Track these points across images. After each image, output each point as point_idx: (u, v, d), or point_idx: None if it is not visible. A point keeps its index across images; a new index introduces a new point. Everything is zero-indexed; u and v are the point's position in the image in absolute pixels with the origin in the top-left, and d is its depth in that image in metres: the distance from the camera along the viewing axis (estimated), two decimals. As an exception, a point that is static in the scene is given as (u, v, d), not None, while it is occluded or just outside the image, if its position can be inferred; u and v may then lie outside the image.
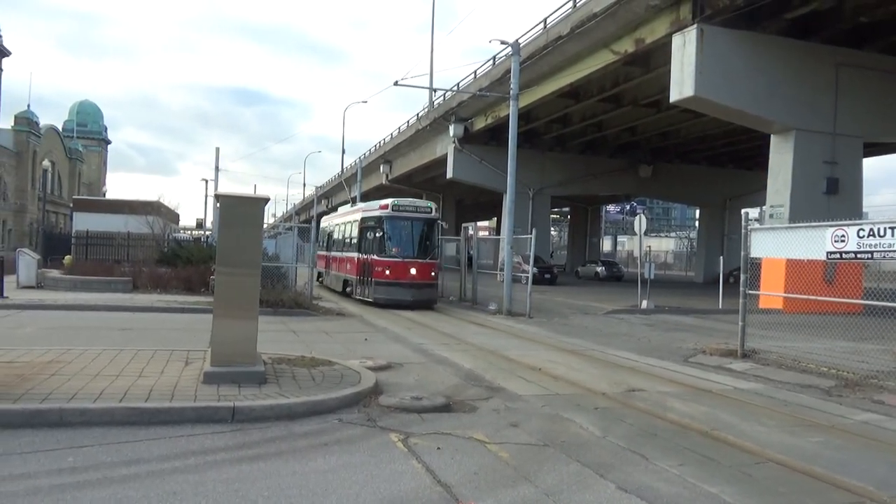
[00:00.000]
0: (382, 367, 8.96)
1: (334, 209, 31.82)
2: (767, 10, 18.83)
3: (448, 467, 5.06)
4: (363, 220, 20.34)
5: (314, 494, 4.45)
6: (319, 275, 26.06)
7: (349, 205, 28.63)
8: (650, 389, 8.43)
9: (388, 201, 19.57)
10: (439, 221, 20.20)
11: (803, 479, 5.16)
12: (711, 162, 42.27)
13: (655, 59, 23.76)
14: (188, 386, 6.78)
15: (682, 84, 19.45)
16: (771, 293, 13.79)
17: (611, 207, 75.99)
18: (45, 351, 8.38)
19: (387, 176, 50.35)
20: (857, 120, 20.87)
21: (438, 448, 5.51)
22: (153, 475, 4.65)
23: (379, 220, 19.20)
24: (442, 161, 39.88)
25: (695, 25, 18.91)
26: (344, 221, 23.99)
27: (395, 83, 23.30)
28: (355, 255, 20.59)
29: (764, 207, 22.53)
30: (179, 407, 6.05)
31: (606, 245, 79.83)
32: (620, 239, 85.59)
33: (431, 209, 19.89)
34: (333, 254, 25.16)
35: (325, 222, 29.59)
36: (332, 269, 24.93)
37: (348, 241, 22.42)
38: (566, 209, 68.35)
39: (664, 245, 78.13)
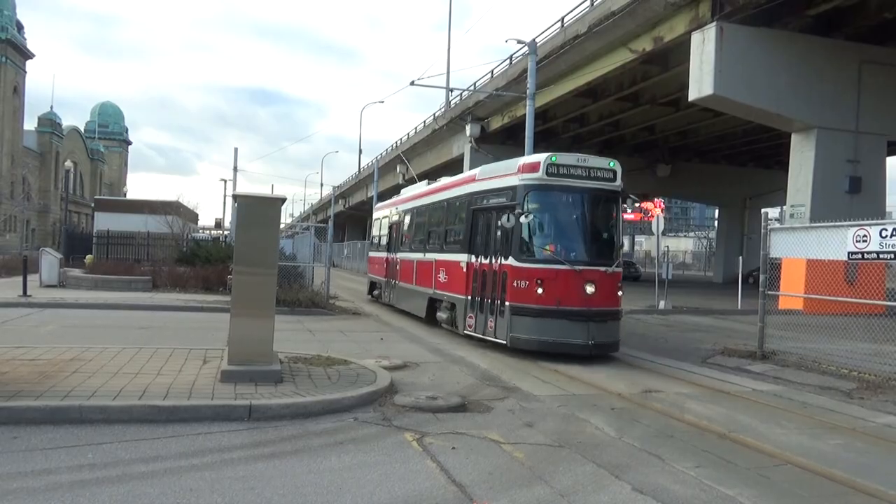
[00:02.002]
0: (398, 367, 8.98)
1: (397, 191, 22.53)
2: (789, 7, 18.58)
3: (463, 467, 5.06)
4: (478, 196, 12.11)
5: (329, 493, 4.47)
6: (373, 286, 20.23)
7: (424, 182, 18.15)
8: (667, 391, 8.36)
9: (538, 158, 10.85)
10: (628, 196, 11.67)
11: (823, 482, 5.09)
12: (731, 161, 41.81)
13: (674, 57, 23.54)
14: (206, 384, 6.84)
15: (700, 82, 19.25)
16: (791, 294, 13.58)
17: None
18: (66, 349, 8.50)
19: (403, 176, 50.37)
20: (881, 118, 20.51)
21: (453, 448, 5.52)
22: (170, 472, 4.70)
23: (517, 192, 10.75)
24: (458, 161, 39.81)
25: (714, 23, 18.71)
26: (425, 205, 15.51)
27: (412, 83, 23.34)
28: (458, 258, 12.41)
29: (784, 207, 22.27)
30: (197, 405, 6.11)
31: (625, 245, 79.18)
32: (638, 239, 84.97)
33: (614, 173, 11.02)
34: (402, 256, 16.61)
35: (385, 211, 20.11)
36: (400, 281, 16.51)
37: (437, 234, 14.27)
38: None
39: (682, 245, 77.50)
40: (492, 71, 32.88)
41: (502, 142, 36.78)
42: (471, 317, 11.67)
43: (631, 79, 27.57)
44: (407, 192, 18.84)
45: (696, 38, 19.37)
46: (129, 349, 8.70)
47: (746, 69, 19.01)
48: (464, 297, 11.92)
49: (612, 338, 10.64)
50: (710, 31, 18.78)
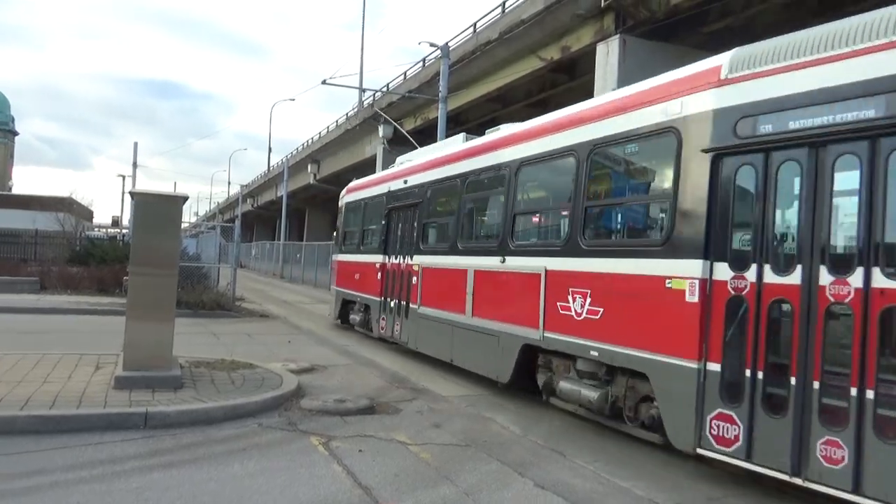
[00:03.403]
0: (306, 370, 8.82)
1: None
2: (685, 24, 19.66)
3: (369, 469, 5.04)
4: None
5: (230, 501, 4.34)
6: (349, 308, 13.49)
7: (461, 137, 10.58)
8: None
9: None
10: None
11: (711, 470, 5.41)
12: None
13: (581, 66, 24.39)
14: (98, 392, 6.47)
15: (605, 91, 20.05)
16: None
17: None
18: (-63, 356, 7.82)
19: (314, 175, 49.63)
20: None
21: (360, 450, 5.49)
22: (56, 486, 4.42)
23: None
24: (371, 161, 39.63)
25: (617, 35, 19.54)
26: (477, 169, 8.99)
27: (324, 82, 23.11)
28: (652, 269, 5.57)
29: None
30: (87, 414, 5.77)
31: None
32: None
33: None
34: (433, 262, 9.86)
35: (370, 192, 13.12)
36: (430, 306, 9.72)
37: (569, 220, 6.98)
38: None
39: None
40: (405, 73, 32.98)
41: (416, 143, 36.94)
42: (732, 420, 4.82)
43: (540, 86, 28.35)
44: (422, 156, 11.28)
45: (601, 49, 20.17)
46: (12, 355, 8.09)
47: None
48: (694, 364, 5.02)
49: None
50: (614, 43, 19.61)
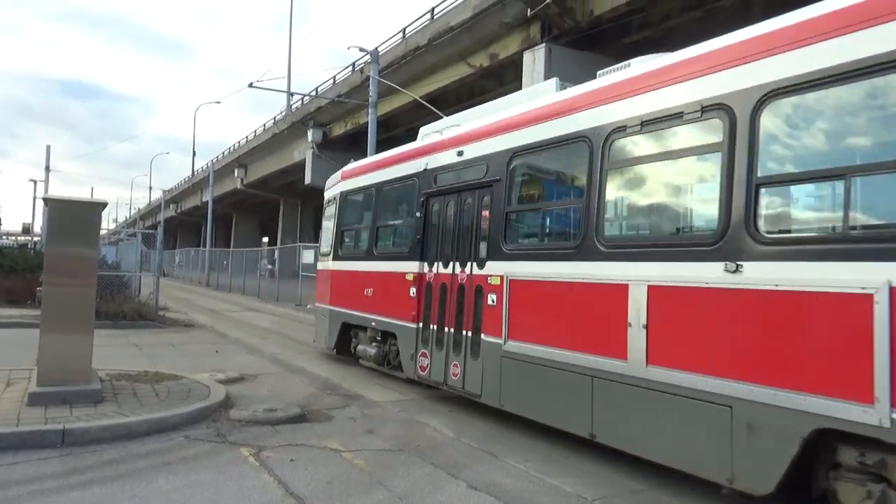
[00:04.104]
0: (234, 380, 8.62)
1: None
2: (609, 35, 20.37)
3: (301, 479, 4.98)
4: None
5: (155, 517, 4.21)
6: (353, 334, 10.37)
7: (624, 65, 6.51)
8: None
9: None
10: None
11: (634, 464, 5.61)
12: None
13: (509, 74, 24.84)
14: (9, 409, 6.13)
15: (532, 99, 20.50)
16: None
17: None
18: None
19: (241, 180, 48.54)
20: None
21: (292, 460, 5.41)
22: (-36, 511, 4.17)
23: None
24: (300, 166, 39.11)
25: (543, 44, 20.04)
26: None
27: (251, 85, 22.61)
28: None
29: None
30: (-2, 433, 5.46)
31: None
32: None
33: None
34: (522, 273, 6.64)
35: (387, 172, 9.86)
36: (484, 331, 7.08)
37: None
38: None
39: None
40: (334, 77, 32.71)
41: (346, 148, 36.62)
42: None
43: (469, 92, 28.69)
44: (483, 118, 8.00)
45: (527, 57, 20.63)
46: (-89, 374, 7.55)
47: (572, 88, 20.52)
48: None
49: None
50: (540, 51, 20.10)
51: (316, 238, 30.34)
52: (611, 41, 20.95)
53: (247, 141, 46.35)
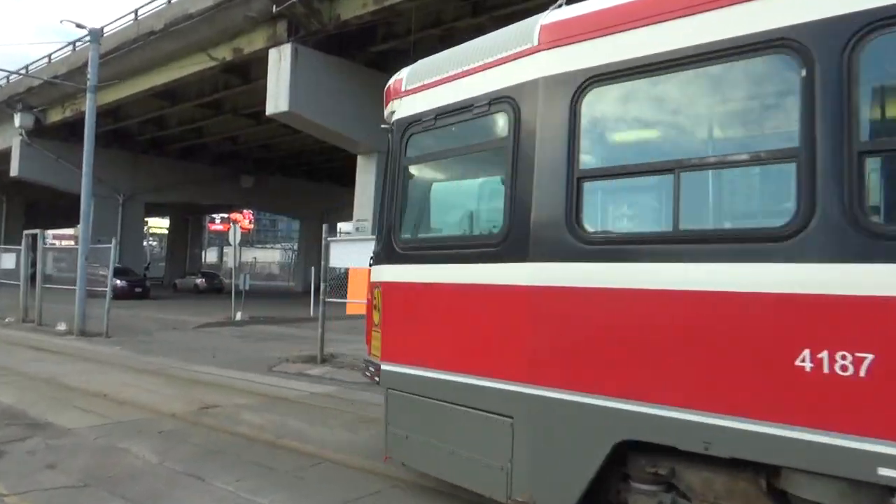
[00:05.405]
0: None
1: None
2: (357, 41, 20.56)
3: (-64, 536, 4.01)
4: None
5: None
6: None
7: None
8: (226, 404, 8.19)
9: None
10: None
11: (352, 472, 5.52)
12: (310, 176, 44.22)
13: (255, 70, 23.86)
14: None
15: (277, 98, 19.88)
16: (356, 301, 14.88)
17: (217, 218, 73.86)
18: None
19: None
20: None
21: (-72, 513, 4.36)
22: None
23: None
24: (5, 155, 33.50)
25: (290, 43, 19.53)
26: None
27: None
28: None
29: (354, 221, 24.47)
30: None
31: (212, 256, 77.26)
32: (227, 250, 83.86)
33: None
34: None
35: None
36: None
37: None
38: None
39: (270, 256, 79.18)
40: (50, 55, 28.62)
41: (65, 138, 32.33)
42: None
43: (212, 86, 27.05)
44: None
45: (273, 54, 19.96)
46: None
47: (319, 91, 20.33)
48: None
49: None
50: (286, 50, 19.57)
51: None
52: (359, 48, 21.20)
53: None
